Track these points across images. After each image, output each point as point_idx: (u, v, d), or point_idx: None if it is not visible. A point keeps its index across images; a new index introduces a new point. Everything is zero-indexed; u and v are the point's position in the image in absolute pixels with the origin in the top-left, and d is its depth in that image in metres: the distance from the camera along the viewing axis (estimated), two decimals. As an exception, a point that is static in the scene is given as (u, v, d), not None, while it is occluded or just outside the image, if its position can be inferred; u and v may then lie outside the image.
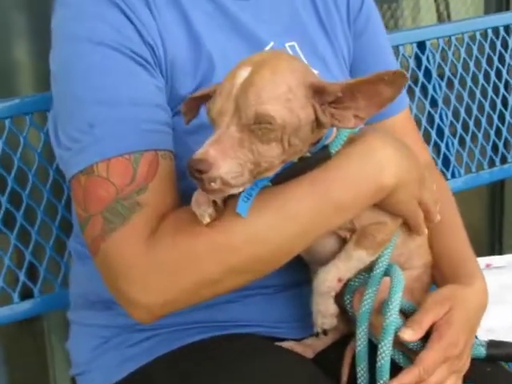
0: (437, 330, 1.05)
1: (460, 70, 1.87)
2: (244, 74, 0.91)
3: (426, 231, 1.10)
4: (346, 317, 1.13)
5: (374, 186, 0.99)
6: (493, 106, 1.93)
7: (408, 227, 1.08)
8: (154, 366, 1.12)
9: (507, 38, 1.96)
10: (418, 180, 1.03)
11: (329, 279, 1.06)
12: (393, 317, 1.04)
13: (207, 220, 0.96)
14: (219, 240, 0.97)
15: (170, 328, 1.14)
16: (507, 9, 2.51)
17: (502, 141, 1.95)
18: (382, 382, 1.04)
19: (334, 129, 0.99)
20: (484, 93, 1.92)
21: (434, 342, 1.04)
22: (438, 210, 1.08)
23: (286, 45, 1.18)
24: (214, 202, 0.97)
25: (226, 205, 0.97)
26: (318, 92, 0.92)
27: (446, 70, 1.85)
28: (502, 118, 1.98)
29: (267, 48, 1.15)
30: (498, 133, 1.95)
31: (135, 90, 1.03)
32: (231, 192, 0.91)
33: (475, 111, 1.90)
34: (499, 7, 2.55)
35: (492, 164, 1.95)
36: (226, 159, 0.88)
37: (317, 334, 1.11)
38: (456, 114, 1.88)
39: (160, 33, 1.06)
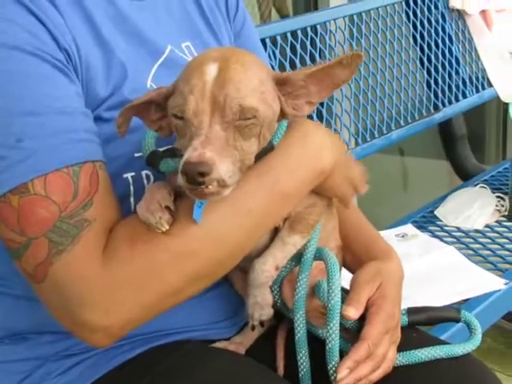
0: (374, 304, 1.08)
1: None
2: (212, 69, 0.88)
3: (352, 204, 1.13)
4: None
5: (314, 172, 1.01)
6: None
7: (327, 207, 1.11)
8: (92, 391, 1.05)
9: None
10: (345, 159, 1.06)
11: (266, 269, 1.05)
12: (337, 297, 1.05)
13: (166, 227, 0.92)
14: (179, 247, 0.92)
15: (101, 349, 1.07)
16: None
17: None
18: (333, 363, 1.05)
19: None
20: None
21: (374, 315, 1.07)
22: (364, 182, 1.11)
23: (182, 45, 1.16)
24: (167, 208, 0.92)
25: (176, 208, 0.94)
26: (280, 83, 0.92)
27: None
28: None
29: (166, 52, 1.12)
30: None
31: (60, 98, 0.95)
32: (224, 193, 0.88)
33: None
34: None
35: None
36: (221, 159, 0.85)
37: (253, 328, 1.10)
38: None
39: (73, 36, 0.99)
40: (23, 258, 0.93)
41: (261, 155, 0.96)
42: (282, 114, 0.94)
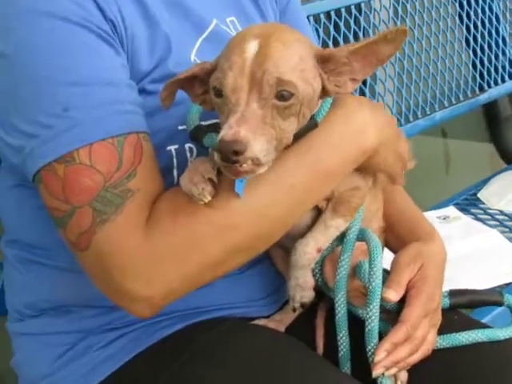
0: (414, 286, 1.07)
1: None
2: (253, 46, 0.88)
3: (403, 181, 1.12)
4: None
5: (359, 149, 1.00)
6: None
7: (373, 186, 1.10)
8: (133, 365, 1.06)
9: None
10: (393, 134, 1.05)
11: (308, 251, 1.05)
12: (378, 279, 1.05)
13: (208, 198, 0.92)
14: (221, 220, 0.93)
15: (142, 323, 1.08)
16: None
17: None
18: (372, 345, 1.05)
19: None
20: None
21: (414, 298, 1.06)
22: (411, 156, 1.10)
23: (227, 20, 1.15)
24: (210, 180, 0.92)
25: (219, 182, 0.94)
26: (323, 61, 0.92)
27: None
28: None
29: (211, 26, 1.12)
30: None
31: (106, 69, 0.95)
32: (259, 172, 0.88)
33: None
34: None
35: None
36: (256, 138, 0.85)
37: (294, 310, 1.10)
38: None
39: (118, 7, 0.99)
40: (67, 227, 0.94)
41: (304, 132, 0.95)
42: (324, 92, 0.93)
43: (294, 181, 0.96)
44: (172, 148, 1.05)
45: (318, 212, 1.06)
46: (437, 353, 1.09)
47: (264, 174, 0.92)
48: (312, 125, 0.96)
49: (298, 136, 0.95)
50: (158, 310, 0.97)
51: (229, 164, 0.85)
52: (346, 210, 1.05)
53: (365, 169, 1.04)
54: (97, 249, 0.93)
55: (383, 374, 1.03)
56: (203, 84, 0.95)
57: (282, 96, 0.87)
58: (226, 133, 0.85)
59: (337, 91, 0.94)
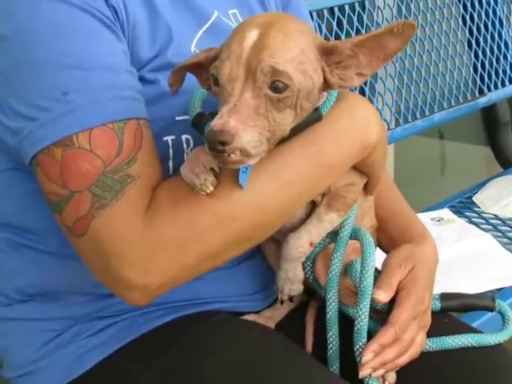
0: (404, 288, 1.06)
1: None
2: (253, 36, 0.87)
3: (376, 192, 1.12)
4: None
5: (360, 145, 0.99)
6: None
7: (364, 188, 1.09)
8: (121, 355, 1.05)
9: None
10: (385, 136, 1.05)
11: (301, 244, 1.05)
12: (369, 279, 1.04)
13: (210, 189, 0.91)
14: (222, 210, 0.92)
15: (132, 313, 1.07)
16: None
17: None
18: (360, 344, 1.04)
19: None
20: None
21: (404, 300, 1.05)
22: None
23: (229, 12, 1.14)
24: (212, 169, 0.92)
25: (220, 172, 0.93)
26: (326, 53, 0.90)
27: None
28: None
29: (212, 18, 1.11)
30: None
31: (107, 55, 0.94)
32: (249, 162, 0.87)
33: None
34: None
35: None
36: (246, 129, 0.84)
37: (282, 302, 1.10)
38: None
39: None
40: (64, 212, 0.93)
41: (309, 124, 0.95)
42: (327, 85, 0.92)
43: (295, 173, 0.95)
44: (169, 138, 1.04)
45: (313, 207, 1.06)
46: (426, 355, 1.09)
47: (266, 166, 0.92)
48: (317, 117, 0.95)
49: (303, 128, 0.94)
50: (153, 298, 0.96)
51: (216, 154, 0.85)
52: (341, 206, 1.04)
53: (361, 167, 1.03)
54: (94, 234, 0.92)
55: (370, 374, 1.03)
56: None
57: (276, 87, 0.86)
58: (216, 122, 0.84)
59: (341, 84, 0.92)
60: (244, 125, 0.84)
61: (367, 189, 1.09)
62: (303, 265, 1.09)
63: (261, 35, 0.87)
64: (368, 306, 1.04)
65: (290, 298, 1.09)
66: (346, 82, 0.92)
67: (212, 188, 0.91)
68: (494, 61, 2.38)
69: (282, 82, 0.86)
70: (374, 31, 0.90)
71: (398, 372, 1.08)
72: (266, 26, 0.88)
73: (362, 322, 1.04)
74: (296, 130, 0.93)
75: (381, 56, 0.90)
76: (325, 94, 0.97)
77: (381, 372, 1.03)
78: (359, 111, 0.99)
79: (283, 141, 0.93)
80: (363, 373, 1.02)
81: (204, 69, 0.94)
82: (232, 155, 0.84)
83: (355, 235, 1.08)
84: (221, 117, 0.84)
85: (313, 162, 0.96)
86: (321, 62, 0.91)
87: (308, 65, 0.89)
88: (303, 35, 0.90)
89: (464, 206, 2.14)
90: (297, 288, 1.07)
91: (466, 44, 2.33)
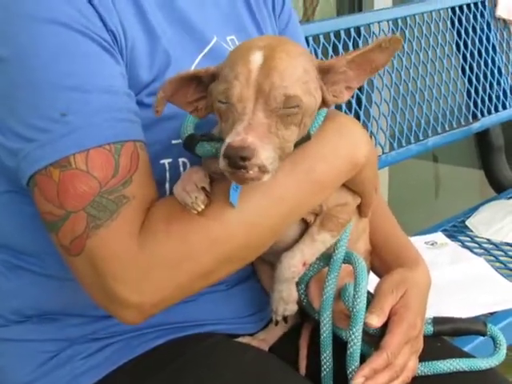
0: (396, 313, 1.08)
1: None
2: (258, 58, 0.89)
3: (370, 213, 1.13)
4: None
5: (349, 163, 1.01)
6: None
7: (357, 209, 1.11)
8: (116, 377, 1.06)
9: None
10: (375, 154, 1.07)
11: (294, 264, 1.05)
12: (362, 303, 1.05)
13: (201, 207, 0.92)
14: (214, 230, 0.93)
15: (127, 335, 1.08)
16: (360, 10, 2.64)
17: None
18: (352, 368, 1.05)
19: None
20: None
21: (396, 325, 1.06)
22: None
23: (227, 38, 1.16)
24: (203, 189, 0.93)
25: (212, 191, 0.94)
26: (323, 72, 0.93)
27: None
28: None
29: (211, 43, 1.13)
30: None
31: (106, 77, 0.96)
32: (264, 179, 0.88)
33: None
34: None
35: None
36: (264, 145, 0.86)
37: (276, 323, 1.10)
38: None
39: (120, 19, 1.00)
40: (60, 232, 0.94)
41: (298, 143, 0.96)
42: (324, 103, 0.95)
43: (285, 191, 0.97)
44: (166, 162, 1.06)
45: (305, 227, 1.07)
46: (418, 380, 1.10)
47: (256, 185, 0.93)
48: (306, 136, 0.97)
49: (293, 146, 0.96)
50: (148, 317, 0.97)
51: (235, 170, 0.86)
52: (334, 226, 1.05)
53: (352, 185, 1.04)
54: (89, 254, 0.93)
55: None
56: (201, 89, 0.96)
57: (287, 108, 0.89)
58: (233, 139, 0.86)
59: (335, 101, 0.95)
60: (261, 142, 0.86)
61: (361, 210, 1.11)
62: (297, 287, 1.10)
63: (266, 57, 0.89)
64: (361, 330, 1.05)
65: (285, 319, 1.09)
66: (339, 97, 0.95)
67: (203, 206, 0.93)
68: (488, 86, 2.41)
69: (293, 106, 0.89)
70: (365, 47, 0.93)
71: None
72: (269, 48, 0.90)
73: (355, 345, 1.05)
74: None
75: (368, 69, 0.94)
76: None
77: None
78: (348, 130, 1.01)
79: None
80: None
81: (193, 87, 0.95)
82: (250, 171, 0.86)
83: (348, 259, 1.09)
84: (237, 134, 0.86)
85: (303, 179, 0.98)
86: (319, 81, 0.94)
87: (311, 84, 0.92)
88: (304, 56, 0.93)
89: (457, 230, 2.16)
90: (291, 308, 1.08)
91: (459, 70, 2.36)
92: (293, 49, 0.93)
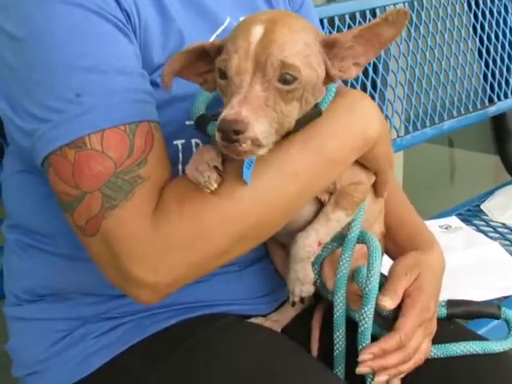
0: (410, 295, 1.07)
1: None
2: (259, 31, 0.88)
3: (386, 193, 1.12)
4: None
5: (362, 138, 1.00)
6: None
7: (373, 188, 1.10)
8: (128, 356, 1.06)
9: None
10: (387, 130, 1.06)
11: (309, 244, 1.05)
12: (374, 282, 1.05)
13: (214, 186, 0.92)
14: (227, 208, 0.93)
15: (139, 314, 1.08)
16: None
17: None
18: (363, 345, 1.05)
19: None
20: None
21: (409, 308, 1.06)
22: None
23: (240, 19, 1.15)
24: (215, 167, 0.93)
25: (224, 170, 0.94)
26: (328, 47, 0.92)
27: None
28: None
29: (225, 23, 1.12)
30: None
31: (120, 58, 0.96)
32: (259, 153, 0.88)
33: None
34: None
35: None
36: (258, 119, 0.85)
37: (293, 304, 1.10)
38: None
39: (134, 0, 0.99)
40: (75, 212, 0.94)
41: (309, 120, 0.96)
42: (329, 78, 0.94)
43: (298, 168, 0.96)
44: (178, 142, 1.05)
45: (319, 207, 1.06)
46: (431, 362, 1.10)
47: (269, 162, 0.93)
48: (317, 113, 0.96)
49: (303, 124, 0.95)
50: (163, 297, 0.97)
51: (229, 143, 0.85)
52: (348, 204, 1.05)
53: (365, 161, 1.04)
54: (105, 234, 0.93)
55: (373, 378, 1.04)
56: (207, 63, 0.95)
57: (285, 80, 0.88)
58: (227, 112, 0.85)
59: (341, 76, 0.94)
60: (255, 115, 0.85)
61: (376, 189, 1.10)
62: (312, 266, 1.09)
63: (267, 30, 0.89)
64: (372, 308, 1.05)
65: (301, 300, 1.09)
66: (346, 73, 0.94)
67: (216, 185, 0.92)
68: (504, 70, 2.38)
69: (290, 75, 0.88)
70: (371, 22, 0.91)
71: (403, 379, 1.09)
72: (271, 22, 0.90)
73: (366, 324, 1.05)
74: (296, 126, 0.94)
75: (376, 45, 0.92)
76: (324, 90, 0.98)
77: (384, 378, 1.04)
78: (359, 106, 1.01)
79: (284, 137, 0.94)
80: (359, 369, 1.03)
81: (201, 61, 0.95)
82: (244, 144, 0.85)
83: (362, 238, 1.08)
84: (232, 107, 0.85)
85: (315, 155, 0.97)
86: (323, 55, 0.92)
87: (313, 58, 0.91)
88: (307, 30, 0.92)
89: (472, 214, 2.15)
90: (307, 289, 1.08)
91: (476, 53, 2.34)
92: (295, 22, 0.92)
